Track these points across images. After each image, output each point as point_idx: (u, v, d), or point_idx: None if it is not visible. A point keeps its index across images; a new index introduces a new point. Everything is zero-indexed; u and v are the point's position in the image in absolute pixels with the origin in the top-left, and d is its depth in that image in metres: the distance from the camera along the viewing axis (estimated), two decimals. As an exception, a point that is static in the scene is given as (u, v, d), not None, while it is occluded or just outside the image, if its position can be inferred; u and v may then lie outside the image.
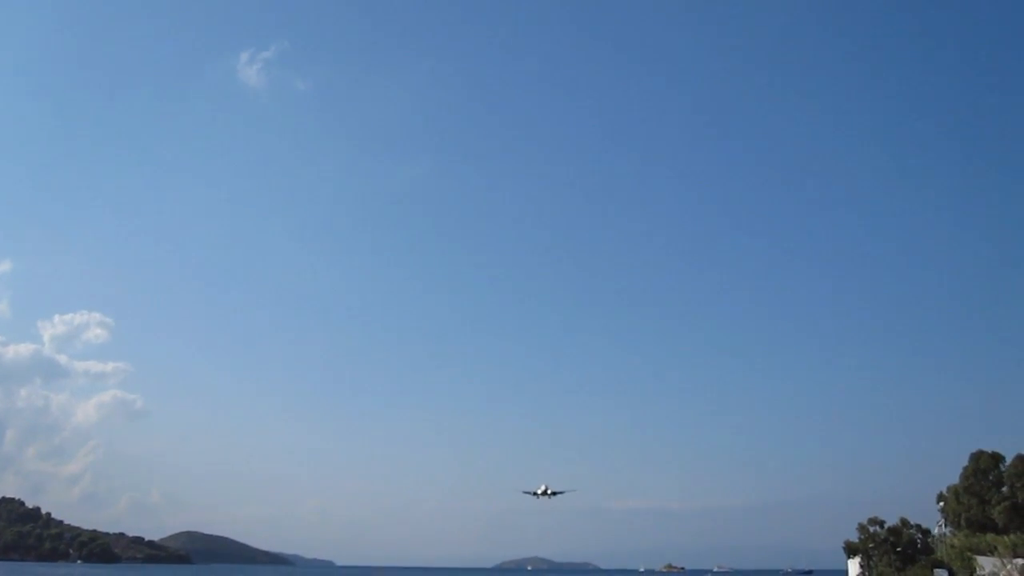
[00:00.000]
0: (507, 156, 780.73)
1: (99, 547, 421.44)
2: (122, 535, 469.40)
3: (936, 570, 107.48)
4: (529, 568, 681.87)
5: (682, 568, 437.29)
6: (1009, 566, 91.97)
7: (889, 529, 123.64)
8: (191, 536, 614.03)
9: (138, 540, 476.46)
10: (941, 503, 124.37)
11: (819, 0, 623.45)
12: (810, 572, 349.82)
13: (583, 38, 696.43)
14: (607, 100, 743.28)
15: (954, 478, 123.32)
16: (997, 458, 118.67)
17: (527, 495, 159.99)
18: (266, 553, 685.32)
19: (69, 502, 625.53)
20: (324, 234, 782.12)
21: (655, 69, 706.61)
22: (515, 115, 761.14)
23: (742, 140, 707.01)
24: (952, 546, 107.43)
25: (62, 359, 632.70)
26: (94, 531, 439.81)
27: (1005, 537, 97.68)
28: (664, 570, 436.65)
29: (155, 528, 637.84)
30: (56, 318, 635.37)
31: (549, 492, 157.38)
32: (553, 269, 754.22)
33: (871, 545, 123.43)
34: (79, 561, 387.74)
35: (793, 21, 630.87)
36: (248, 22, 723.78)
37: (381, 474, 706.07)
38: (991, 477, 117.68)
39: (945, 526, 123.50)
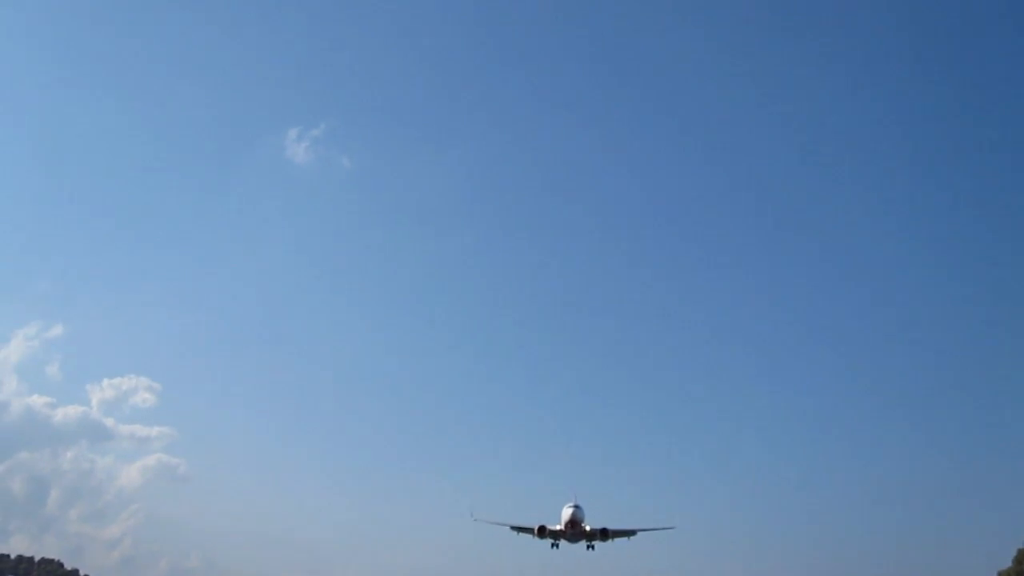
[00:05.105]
0: (553, 224, 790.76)
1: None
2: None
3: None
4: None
5: None
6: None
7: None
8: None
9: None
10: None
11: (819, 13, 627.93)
12: None
13: (626, 109, 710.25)
14: (652, 168, 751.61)
15: (1007, 560, 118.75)
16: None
17: (522, 534, 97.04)
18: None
19: (108, 565, 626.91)
20: (369, 304, 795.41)
21: (700, 133, 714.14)
22: (561, 186, 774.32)
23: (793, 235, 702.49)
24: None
25: (109, 422, 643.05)
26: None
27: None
28: None
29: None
30: (105, 382, 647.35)
31: (589, 533, 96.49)
32: (601, 339, 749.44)
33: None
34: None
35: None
36: (298, 99, 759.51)
37: (421, 546, 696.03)
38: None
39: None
